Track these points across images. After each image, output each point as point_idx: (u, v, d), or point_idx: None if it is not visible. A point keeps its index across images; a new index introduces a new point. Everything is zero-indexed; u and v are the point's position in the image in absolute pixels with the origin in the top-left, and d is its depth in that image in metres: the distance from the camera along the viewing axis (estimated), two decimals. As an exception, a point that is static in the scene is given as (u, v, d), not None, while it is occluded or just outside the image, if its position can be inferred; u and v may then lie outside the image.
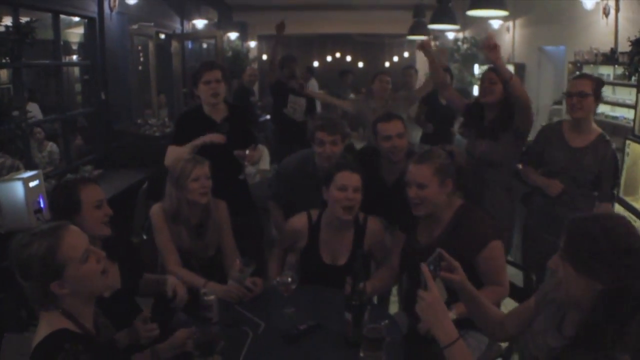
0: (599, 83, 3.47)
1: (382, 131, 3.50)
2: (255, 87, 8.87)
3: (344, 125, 3.59)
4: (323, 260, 2.99)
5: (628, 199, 4.20)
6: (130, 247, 2.90)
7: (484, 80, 3.72)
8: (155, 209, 3.11)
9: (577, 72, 6.94)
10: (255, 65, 12.54)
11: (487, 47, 3.46)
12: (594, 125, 3.54)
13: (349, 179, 2.88)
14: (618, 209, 4.29)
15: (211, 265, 3.13)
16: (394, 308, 3.86)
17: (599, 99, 3.44)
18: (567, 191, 3.47)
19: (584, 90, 3.35)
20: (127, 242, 2.93)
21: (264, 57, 14.52)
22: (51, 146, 6.31)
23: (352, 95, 10.46)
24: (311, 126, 3.61)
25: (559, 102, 8.02)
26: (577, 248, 1.61)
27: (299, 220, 3.09)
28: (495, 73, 3.60)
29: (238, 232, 3.29)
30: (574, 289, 1.63)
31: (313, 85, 10.28)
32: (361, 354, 2.20)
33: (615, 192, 3.58)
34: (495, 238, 2.57)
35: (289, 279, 2.63)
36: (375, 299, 3.79)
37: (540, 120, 8.01)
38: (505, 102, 3.60)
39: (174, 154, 3.49)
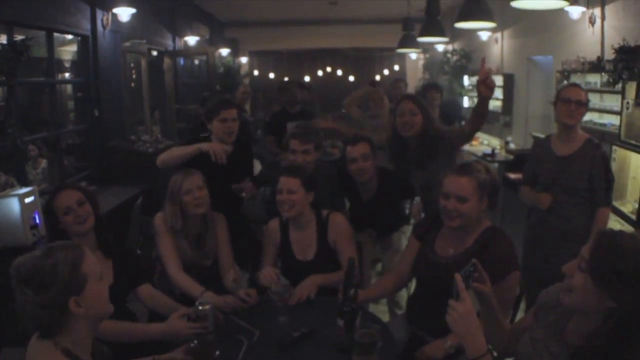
0: (586, 93, 3.52)
1: (348, 153, 3.57)
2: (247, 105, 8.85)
3: (317, 134, 3.67)
4: (295, 256, 3.14)
5: (616, 204, 4.25)
6: (124, 247, 2.94)
7: (403, 112, 3.59)
8: (159, 217, 3.19)
9: (565, 82, 7.03)
10: (247, 82, 12.60)
11: (483, 85, 3.21)
12: (581, 132, 3.56)
13: (284, 183, 3.05)
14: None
15: (209, 275, 3.17)
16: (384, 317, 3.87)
17: (587, 106, 3.51)
18: (560, 201, 3.47)
19: (582, 100, 3.40)
20: (122, 242, 2.98)
21: (255, 72, 14.60)
22: (45, 163, 6.33)
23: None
24: (286, 134, 3.70)
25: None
26: (601, 262, 1.57)
27: (273, 222, 3.27)
28: (414, 103, 3.60)
29: (238, 257, 3.34)
30: (586, 300, 1.61)
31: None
32: (353, 359, 2.24)
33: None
34: (517, 269, 2.53)
35: (283, 289, 2.67)
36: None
37: (529, 130, 8.09)
38: (427, 132, 3.59)
39: (169, 153, 3.62)
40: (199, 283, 3.00)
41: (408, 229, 3.96)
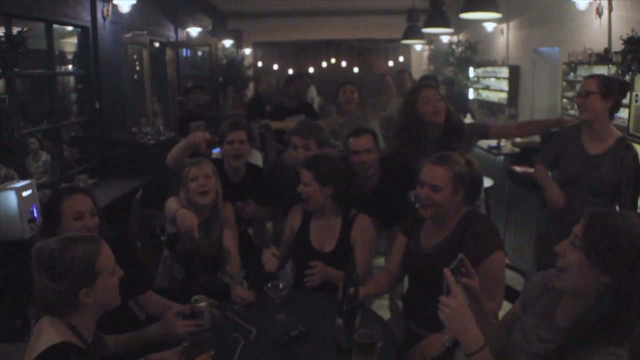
0: (608, 82, 3.33)
1: (351, 146, 3.52)
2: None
3: (319, 130, 3.62)
4: (312, 244, 3.11)
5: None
6: (132, 252, 2.88)
7: (429, 100, 3.54)
8: (172, 200, 3.22)
9: (572, 74, 6.97)
10: (250, 73, 12.54)
11: None
12: (613, 129, 3.39)
13: (301, 175, 3.05)
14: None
15: (212, 262, 3.17)
16: (385, 313, 3.83)
17: (609, 98, 3.27)
18: (581, 198, 3.38)
19: (588, 89, 3.26)
20: (130, 246, 2.93)
21: (259, 64, 14.54)
22: (46, 156, 6.30)
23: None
24: (289, 130, 3.67)
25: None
26: (596, 238, 1.61)
27: (297, 207, 3.25)
28: (435, 90, 3.60)
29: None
30: (581, 278, 1.63)
31: (312, 92, 10.26)
32: (353, 359, 2.19)
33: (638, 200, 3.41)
34: (499, 248, 2.51)
35: (281, 285, 2.62)
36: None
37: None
38: (450, 120, 3.57)
39: (171, 154, 3.57)
40: (202, 269, 3.11)
41: None
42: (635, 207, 3.32)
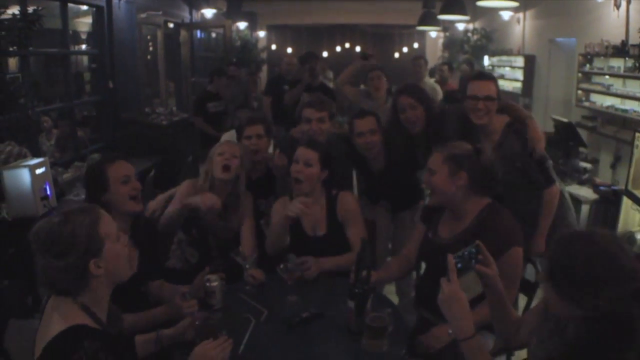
0: (497, 82, 3.26)
1: (355, 127, 3.50)
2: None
3: (331, 103, 3.64)
4: (305, 231, 3.09)
5: (637, 192, 4.16)
6: (154, 235, 2.90)
7: (404, 108, 3.47)
8: (187, 183, 3.25)
9: (587, 65, 6.90)
10: (264, 56, 12.50)
11: None
12: (496, 120, 3.20)
13: (302, 153, 3.02)
14: (626, 202, 4.26)
15: (227, 247, 3.14)
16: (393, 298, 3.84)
17: (500, 99, 3.20)
18: (516, 189, 3.18)
19: (491, 95, 3.12)
20: (153, 230, 2.93)
21: (273, 47, 14.49)
22: (58, 134, 6.32)
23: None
24: (299, 105, 3.64)
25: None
26: (555, 271, 1.56)
27: (280, 202, 3.19)
28: (411, 96, 3.46)
29: None
30: (557, 310, 1.61)
31: (329, 75, 10.21)
32: (363, 342, 2.20)
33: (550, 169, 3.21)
34: (518, 244, 2.48)
35: (292, 266, 2.63)
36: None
37: (549, 113, 7.97)
38: (431, 123, 3.47)
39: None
40: (218, 254, 3.11)
41: None
42: (552, 181, 3.15)
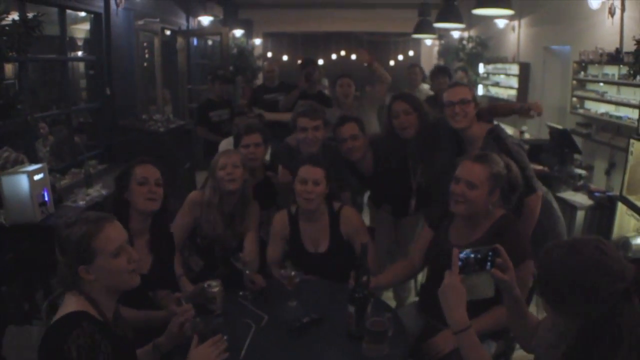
0: (472, 90, 3.34)
1: (337, 134, 3.57)
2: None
3: (324, 110, 3.69)
4: (306, 248, 3.10)
5: (632, 198, 4.19)
6: (171, 245, 2.92)
7: (397, 114, 3.51)
8: (193, 194, 3.27)
9: (582, 73, 6.95)
10: (260, 63, 12.51)
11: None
12: (479, 126, 3.28)
13: (308, 173, 3.00)
14: (621, 208, 4.29)
15: (231, 255, 3.15)
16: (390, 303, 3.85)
17: (475, 103, 3.25)
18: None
19: (465, 97, 3.18)
20: (171, 239, 2.94)
21: (269, 54, 14.52)
22: (52, 141, 6.31)
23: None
24: (293, 114, 3.66)
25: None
26: (542, 284, 1.58)
27: (281, 216, 3.22)
28: (406, 102, 3.51)
29: None
30: (556, 321, 1.63)
31: (324, 83, 10.22)
32: (364, 347, 2.21)
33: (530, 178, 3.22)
34: (531, 257, 2.48)
35: (293, 272, 2.64)
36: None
37: (544, 120, 8.01)
38: (424, 130, 3.50)
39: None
40: (221, 261, 3.12)
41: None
42: (534, 189, 3.17)
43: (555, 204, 3.45)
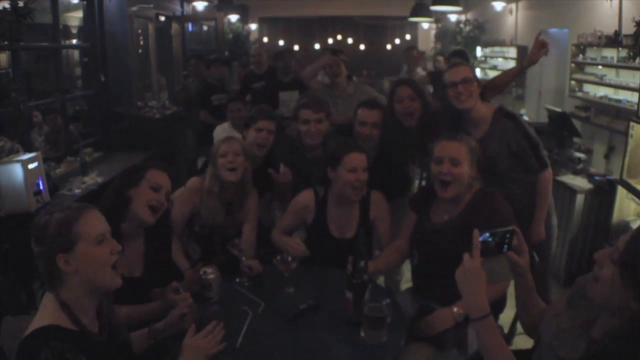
0: (474, 69, 3.34)
1: (361, 116, 3.52)
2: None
3: (327, 102, 3.64)
4: (332, 233, 3.04)
5: (632, 182, 4.16)
6: (167, 247, 2.84)
7: (402, 98, 3.46)
8: (193, 181, 3.20)
9: (581, 55, 6.91)
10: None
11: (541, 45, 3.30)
12: (487, 105, 3.25)
13: (358, 160, 2.92)
14: (621, 191, 4.26)
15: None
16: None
17: (478, 82, 3.20)
18: (504, 178, 3.20)
19: (467, 76, 3.12)
20: (167, 242, 2.85)
21: (265, 39, 14.45)
22: (46, 129, 6.27)
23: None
24: (295, 105, 3.62)
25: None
26: (631, 258, 1.46)
27: (307, 196, 3.14)
28: (410, 87, 3.48)
29: None
30: (610, 296, 1.52)
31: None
32: (362, 333, 2.19)
33: (546, 156, 3.24)
34: (513, 224, 2.42)
35: (289, 258, 2.62)
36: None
37: (543, 103, 7.98)
38: (426, 116, 3.48)
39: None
40: (218, 248, 3.10)
41: None
42: (546, 165, 3.18)
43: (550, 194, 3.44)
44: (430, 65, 7.71)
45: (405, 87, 3.50)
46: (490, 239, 1.78)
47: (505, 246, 1.81)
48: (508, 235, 1.80)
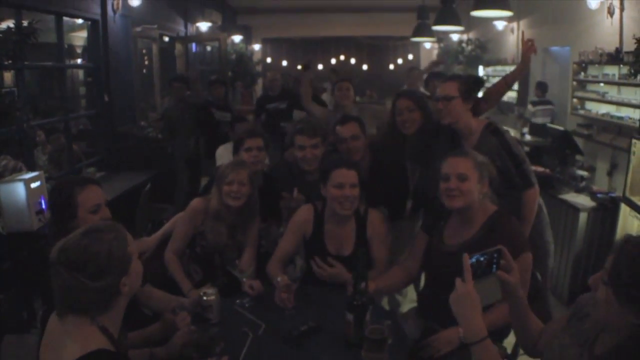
0: (468, 82, 3.28)
1: (338, 133, 3.53)
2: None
3: (323, 127, 3.61)
4: (328, 250, 3.02)
5: (635, 199, 4.15)
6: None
7: (401, 110, 3.49)
8: (196, 203, 3.19)
9: (582, 73, 6.93)
10: (259, 69, 12.50)
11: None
12: (476, 121, 3.27)
13: (345, 176, 2.90)
14: (624, 209, 4.25)
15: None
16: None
17: (470, 100, 3.21)
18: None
19: (448, 94, 3.15)
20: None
21: (268, 60, 14.54)
22: (50, 149, 6.29)
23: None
24: (291, 131, 3.63)
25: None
26: (619, 273, 1.47)
27: (306, 211, 3.13)
28: (410, 100, 3.50)
29: None
30: (609, 315, 1.53)
31: (326, 86, 10.19)
32: (363, 355, 2.17)
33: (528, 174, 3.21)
34: (528, 250, 2.47)
35: (292, 278, 2.62)
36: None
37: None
38: (425, 127, 3.49)
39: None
40: (218, 270, 3.10)
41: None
42: (530, 183, 3.17)
43: (544, 210, 3.43)
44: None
45: (404, 99, 3.52)
46: (481, 259, 1.79)
47: (494, 266, 1.81)
48: (495, 255, 1.81)
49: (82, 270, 1.57)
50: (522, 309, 1.92)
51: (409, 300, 4.00)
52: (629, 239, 1.53)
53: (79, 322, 1.61)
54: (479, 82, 3.46)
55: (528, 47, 3.54)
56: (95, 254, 1.59)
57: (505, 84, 3.67)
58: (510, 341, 2.70)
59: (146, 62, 9.10)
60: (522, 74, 3.57)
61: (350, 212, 2.94)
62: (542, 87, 8.53)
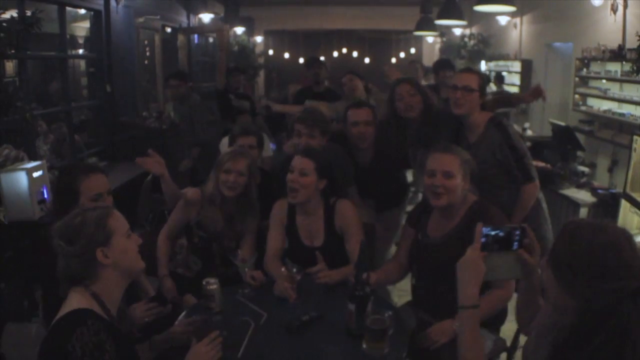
0: (484, 79, 3.36)
1: (351, 117, 3.56)
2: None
3: (325, 120, 3.59)
4: (302, 241, 3.05)
5: (635, 195, 4.16)
6: None
7: (402, 95, 3.56)
8: (192, 193, 3.19)
9: (584, 69, 6.92)
10: (261, 61, 12.43)
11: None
12: (482, 114, 3.29)
13: (297, 162, 2.93)
14: (624, 205, 4.26)
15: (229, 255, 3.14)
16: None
17: (483, 95, 3.27)
18: (494, 185, 3.24)
19: (469, 85, 3.17)
20: None
21: (270, 52, 14.51)
22: (52, 138, 6.30)
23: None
24: (292, 118, 3.64)
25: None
26: (558, 255, 1.51)
27: (281, 204, 3.12)
28: (410, 84, 3.55)
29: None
30: (554, 297, 1.55)
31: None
32: (364, 345, 2.19)
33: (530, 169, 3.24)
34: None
35: (295, 269, 2.63)
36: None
37: (546, 117, 7.99)
38: (427, 112, 3.56)
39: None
40: (218, 260, 3.14)
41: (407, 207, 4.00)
42: (530, 178, 3.18)
43: (544, 205, 3.44)
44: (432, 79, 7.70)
45: (404, 85, 3.56)
46: (492, 233, 1.79)
47: (516, 243, 1.80)
48: (518, 232, 1.79)
49: (61, 237, 1.80)
50: (532, 292, 1.93)
51: (397, 289, 4.02)
52: (571, 221, 1.57)
53: (77, 290, 1.79)
54: (488, 80, 3.50)
55: (538, 93, 3.74)
56: (70, 223, 1.82)
57: (510, 102, 3.75)
58: (509, 335, 2.73)
59: (148, 53, 9.09)
60: (527, 103, 3.68)
61: (296, 199, 2.92)
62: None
